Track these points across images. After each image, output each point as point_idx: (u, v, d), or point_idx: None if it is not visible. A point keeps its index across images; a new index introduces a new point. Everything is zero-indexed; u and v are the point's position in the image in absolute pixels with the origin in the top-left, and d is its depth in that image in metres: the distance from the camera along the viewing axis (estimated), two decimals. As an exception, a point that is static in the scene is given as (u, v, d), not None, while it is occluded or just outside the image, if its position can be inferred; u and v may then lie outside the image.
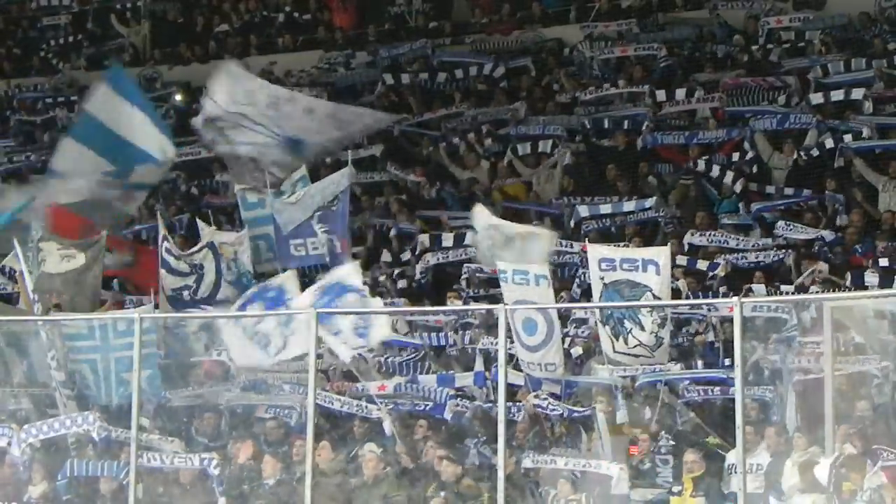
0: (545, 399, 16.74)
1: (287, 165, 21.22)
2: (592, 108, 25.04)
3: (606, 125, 24.38)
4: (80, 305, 20.61)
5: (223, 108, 20.72)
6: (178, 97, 29.25)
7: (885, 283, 18.29)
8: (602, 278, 16.80)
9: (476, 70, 27.09)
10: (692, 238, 20.84)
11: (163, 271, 20.83)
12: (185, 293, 20.75)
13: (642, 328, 16.58)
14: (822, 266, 19.10)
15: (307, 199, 20.63)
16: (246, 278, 20.81)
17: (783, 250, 20.13)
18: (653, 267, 16.63)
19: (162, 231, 21.05)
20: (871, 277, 18.55)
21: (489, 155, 24.94)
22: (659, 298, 16.83)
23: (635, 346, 16.68)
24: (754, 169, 22.50)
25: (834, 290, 18.36)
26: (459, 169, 24.91)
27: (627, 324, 16.64)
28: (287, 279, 18.38)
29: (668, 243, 20.72)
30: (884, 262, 19.11)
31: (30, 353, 19.22)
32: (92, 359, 18.37)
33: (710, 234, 20.85)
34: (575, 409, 16.57)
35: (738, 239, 20.70)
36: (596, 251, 17.19)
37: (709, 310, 18.30)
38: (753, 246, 20.49)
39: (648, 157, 23.44)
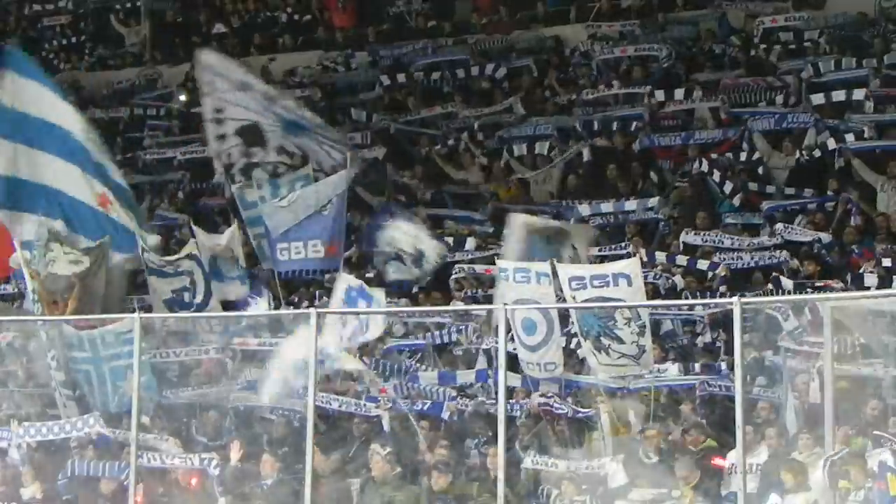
0: (551, 396, 16.69)
1: (292, 151, 21.31)
2: (591, 109, 25.04)
3: (605, 126, 24.36)
4: (88, 311, 20.33)
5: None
6: (183, 97, 29.20)
7: (883, 284, 18.28)
8: (574, 298, 16.68)
9: (477, 70, 27.09)
10: (692, 238, 20.84)
11: (152, 279, 20.53)
12: (186, 295, 20.49)
13: (621, 341, 16.47)
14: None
15: (299, 202, 20.47)
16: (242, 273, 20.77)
17: (781, 250, 20.12)
18: (623, 280, 16.45)
19: (140, 244, 20.26)
20: (870, 278, 18.51)
21: (486, 155, 24.96)
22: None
23: (619, 358, 16.58)
24: (758, 170, 22.52)
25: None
26: (454, 169, 24.89)
27: (605, 340, 16.52)
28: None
29: (671, 243, 20.89)
30: (887, 262, 19.05)
31: (30, 353, 19.22)
32: (86, 369, 18.33)
33: (709, 234, 20.85)
34: (579, 409, 16.53)
35: (737, 239, 20.69)
36: (566, 270, 16.98)
37: (704, 308, 18.33)
38: (749, 245, 20.48)
39: (647, 158, 23.45)
